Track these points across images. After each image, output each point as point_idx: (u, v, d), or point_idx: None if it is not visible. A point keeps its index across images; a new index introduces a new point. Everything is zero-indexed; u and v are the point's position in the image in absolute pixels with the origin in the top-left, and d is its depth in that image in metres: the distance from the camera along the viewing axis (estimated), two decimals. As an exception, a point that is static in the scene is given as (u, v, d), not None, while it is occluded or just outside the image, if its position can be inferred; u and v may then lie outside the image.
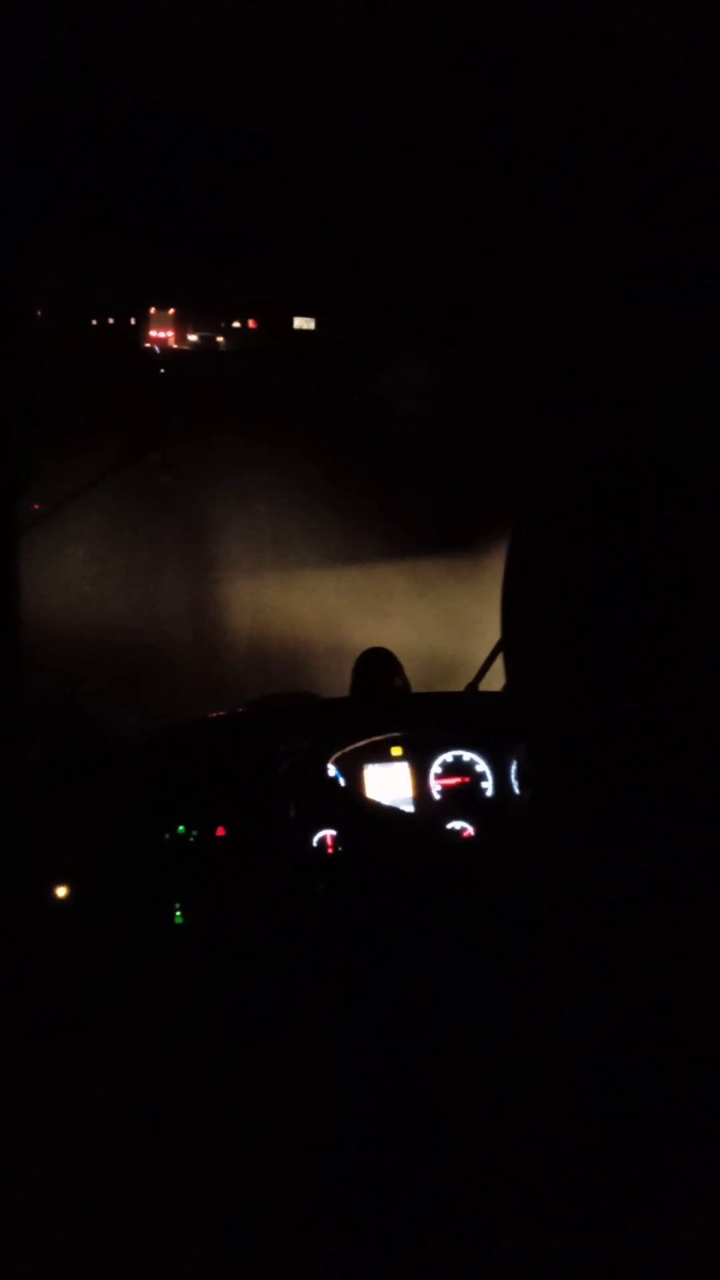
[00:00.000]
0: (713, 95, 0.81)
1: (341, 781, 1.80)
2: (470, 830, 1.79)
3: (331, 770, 1.79)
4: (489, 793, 1.83)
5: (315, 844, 1.72)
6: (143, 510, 9.00)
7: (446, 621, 6.05)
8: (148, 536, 8.10)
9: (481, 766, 1.85)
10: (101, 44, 0.81)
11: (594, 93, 0.88)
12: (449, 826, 1.80)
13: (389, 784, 1.83)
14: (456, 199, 1.10)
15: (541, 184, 1.04)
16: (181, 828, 1.57)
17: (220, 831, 1.58)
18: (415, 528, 8.33)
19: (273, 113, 0.97)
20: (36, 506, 8.15)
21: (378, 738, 1.82)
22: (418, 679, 2.26)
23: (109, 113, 0.94)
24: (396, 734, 1.84)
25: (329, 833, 1.73)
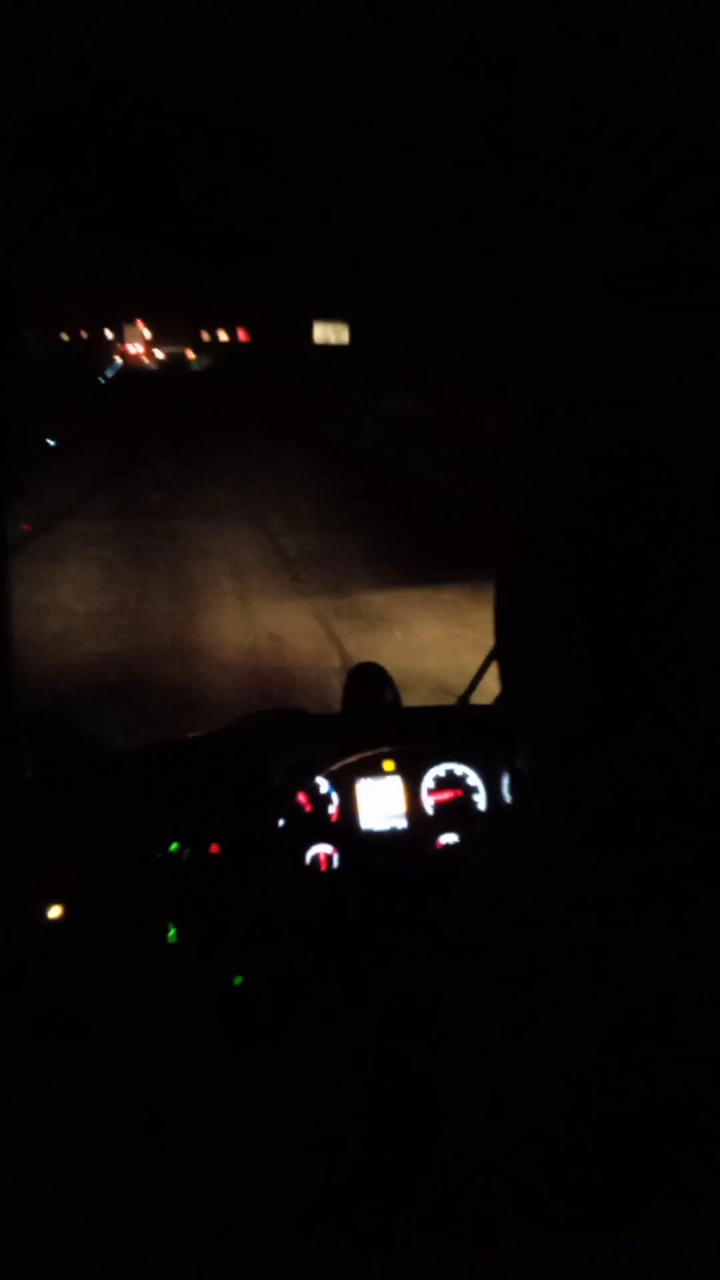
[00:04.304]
0: (713, 95, 0.81)
1: (334, 797, 1.78)
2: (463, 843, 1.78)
3: (324, 785, 1.78)
4: (481, 806, 1.82)
5: (309, 859, 1.70)
6: (133, 526, 8.98)
7: (442, 639, 6.04)
8: (139, 552, 8.09)
9: (474, 780, 1.83)
10: (101, 44, 0.81)
11: (594, 92, 0.88)
12: (442, 840, 1.79)
13: (381, 799, 1.81)
14: (456, 198, 1.10)
15: (542, 183, 1.04)
16: (175, 845, 1.56)
17: (214, 849, 1.57)
18: (415, 541, 8.30)
19: (273, 112, 0.97)
20: (26, 527, 8.13)
21: (370, 752, 1.79)
22: (409, 697, 2.24)
23: (109, 113, 0.94)
24: (388, 748, 1.82)
25: (323, 848, 1.71)
